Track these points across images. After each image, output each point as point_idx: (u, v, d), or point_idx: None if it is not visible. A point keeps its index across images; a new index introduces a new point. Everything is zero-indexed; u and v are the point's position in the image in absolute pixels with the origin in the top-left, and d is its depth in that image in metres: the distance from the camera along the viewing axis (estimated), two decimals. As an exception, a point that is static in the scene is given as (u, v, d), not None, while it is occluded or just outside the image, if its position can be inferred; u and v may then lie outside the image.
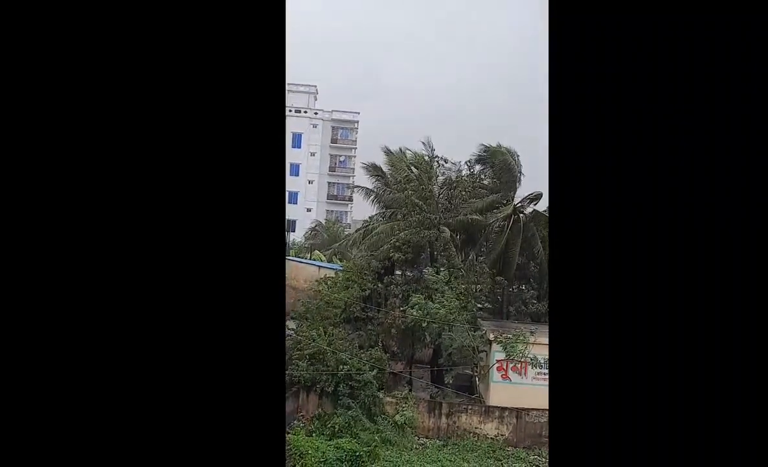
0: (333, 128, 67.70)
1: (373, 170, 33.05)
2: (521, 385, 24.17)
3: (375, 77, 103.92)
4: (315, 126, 66.98)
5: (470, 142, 57.57)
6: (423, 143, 30.81)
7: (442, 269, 26.73)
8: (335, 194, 67.40)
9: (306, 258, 41.71)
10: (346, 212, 66.58)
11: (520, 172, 31.22)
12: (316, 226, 55.85)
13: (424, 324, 25.04)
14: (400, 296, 27.59)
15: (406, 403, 24.59)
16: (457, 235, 29.92)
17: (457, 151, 50.47)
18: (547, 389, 4.03)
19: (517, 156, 31.23)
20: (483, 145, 32.00)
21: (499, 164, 31.14)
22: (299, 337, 25.98)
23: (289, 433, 22.06)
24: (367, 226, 33.27)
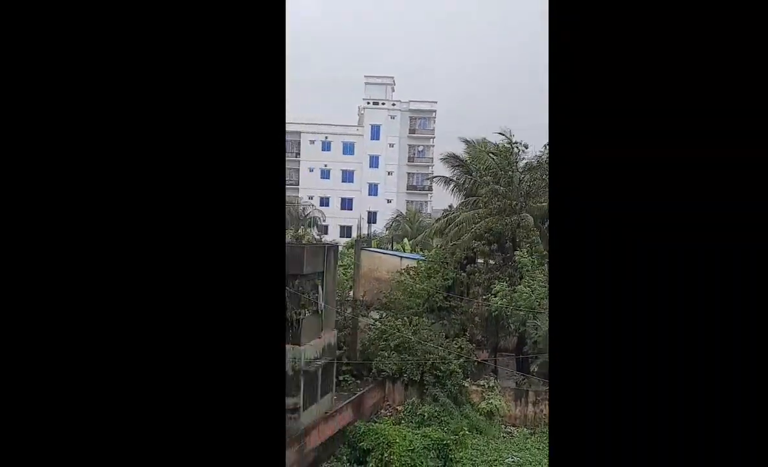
0: (411, 118, 67.76)
1: (452, 159, 32.94)
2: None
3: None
4: (393, 117, 67.21)
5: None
6: (501, 132, 30.40)
7: (525, 255, 26.41)
8: (414, 184, 67.50)
9: (387, 249, 42.01)
10: (426, 201, 66.60)
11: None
12: (397, 216, 56.12)
13: (508, 312, 24.85)
14: (483, 284, 27.45)
15: (492, 392, 24.52)
16: (540, 221, 29.47)
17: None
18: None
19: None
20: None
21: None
22: (384, 327, 26.27)
23: (376, 422, 22.41)
24: (447, 215, 33.22)
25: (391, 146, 66.89)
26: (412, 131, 67.62)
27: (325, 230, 56.80)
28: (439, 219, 35.48)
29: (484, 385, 24.98)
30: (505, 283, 25.83)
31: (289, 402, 19.68)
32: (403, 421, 22.86)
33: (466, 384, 24.51)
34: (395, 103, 67.90)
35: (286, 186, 59.08)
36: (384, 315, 27.90)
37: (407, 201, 65.86)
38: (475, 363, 26.22)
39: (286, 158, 61.84)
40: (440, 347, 24.49)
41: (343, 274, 31.78)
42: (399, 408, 24.44)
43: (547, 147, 30.37)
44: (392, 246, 44.94)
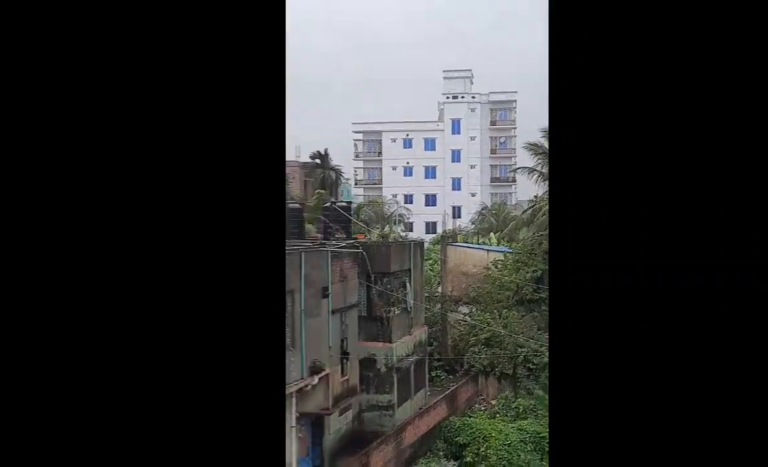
0: (491, 110, 67.09)
1: (535, 148, 32.42)
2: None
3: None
4: (473, 110, 66.73)
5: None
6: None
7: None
8: (498, 176, 66.77)
9: (473, 243, 41.80)
10: (510, 193, 65.78)
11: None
12: (482, 209, 55.69)
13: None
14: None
15: (587, 383, 24.01)
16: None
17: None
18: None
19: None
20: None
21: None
22: (473, 322, 26.20)
23: (471, 417, 22.39)
24: (533, 205, 32.73)
25: (473, 139, 66.40)
26: (492, 122, 66.90)
27: (410, 227, 56.99)
28: (525, 210, 35.01)
29: (579, 377, 24.49)
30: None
31: (384, 399, 19.94)
32: (497, 415, 22.75)
33: (560, 376, 24.10)
34: (474, 95, 67.38)
35: (371, 186, 58.81)
36: (473, 310, 27.82)
37: (491, 194, 65.24)
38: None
39: (369, 158, 61.62)
40: (532, 340, 24.20)
41: (430, 270, 31.85)
42: (493, 401, 24.33)
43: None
44: (478, 240, 44.67)
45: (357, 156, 67.75)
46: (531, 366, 23.59)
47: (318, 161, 49.37)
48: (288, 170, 44.44)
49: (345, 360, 18.18)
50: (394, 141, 66.98)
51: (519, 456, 19.70)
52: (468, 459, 20.17)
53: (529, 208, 33.37)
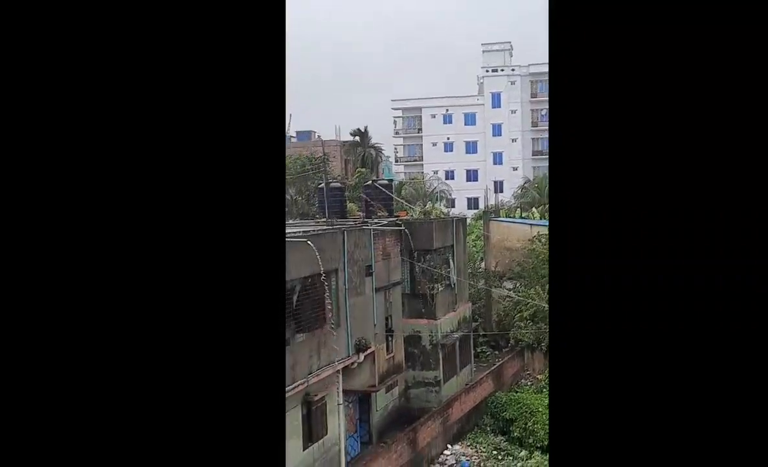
0: (531, 82, 66.01)
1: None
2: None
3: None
4: (513, 83, 65.75)
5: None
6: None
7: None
8: (540, 149, 65.78)
9: (516, 217, 41.39)
10: (553, 166, 64.80)
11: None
12: (525, 183, 55.07)
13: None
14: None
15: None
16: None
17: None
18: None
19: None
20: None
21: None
22: (518, 297, 26.02)
23: (517, 392, 22.33)
24: (577, 178, 32.23)
25: (513, 112, 65.51)
26: (533, 95, 65.83)
27: (452, 203, 56.72)
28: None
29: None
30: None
31: (430, 375, 20.02)
32: (544, 390, 22.62)
33: (608, 350, 23.85)
34: (514, 68, 66.40)
35: (411, 163, 58.49)
36: (517, 285, 27.61)
37: (533, 167, 64.39)
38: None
39: (408, 135, 61.22)
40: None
41: (473, 246, 31.68)
42: (539, 376, 24.21)
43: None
44: (521, 214, 44.21)
45: (397, 133, 67.54)
46: (577, 341, 23.36)
47: (357, 138, 49.40)
48: (328, 148, 44.60)
49: (390, 338, 18.26)
50: (434, 117, 66.49)
51: (567, 430, 19.59)
52: (515, 433, 20.15)
53: (573, 180, 32.86)
